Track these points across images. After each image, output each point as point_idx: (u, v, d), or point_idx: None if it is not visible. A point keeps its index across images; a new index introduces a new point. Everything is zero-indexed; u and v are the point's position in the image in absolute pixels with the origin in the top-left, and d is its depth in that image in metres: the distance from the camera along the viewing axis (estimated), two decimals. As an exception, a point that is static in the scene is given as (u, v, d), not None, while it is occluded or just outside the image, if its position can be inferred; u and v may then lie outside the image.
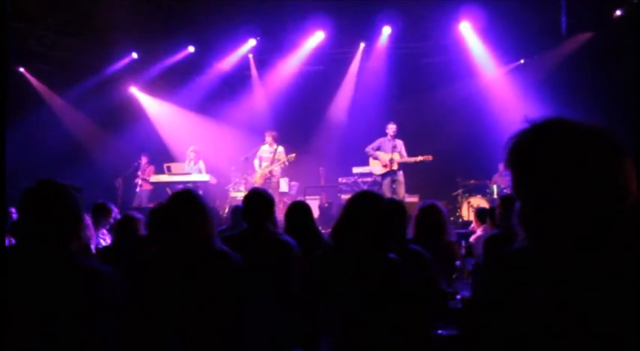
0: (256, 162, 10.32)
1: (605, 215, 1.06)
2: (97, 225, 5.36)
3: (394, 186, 9.78)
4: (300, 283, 2.76)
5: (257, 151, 10.37)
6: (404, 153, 9.90)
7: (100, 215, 5.42)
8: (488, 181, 10.91)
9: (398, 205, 3.56)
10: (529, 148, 1.13)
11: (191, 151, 10.68)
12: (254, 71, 13.17)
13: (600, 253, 1.06)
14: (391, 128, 9.90)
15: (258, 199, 3.55)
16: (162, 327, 2.37)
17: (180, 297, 2.40)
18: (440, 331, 2.89)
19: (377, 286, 2.54)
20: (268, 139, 10.25)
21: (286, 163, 9.94)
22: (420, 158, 9.68)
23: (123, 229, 4.53)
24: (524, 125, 1.14)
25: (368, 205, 2.66)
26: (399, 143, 9.94)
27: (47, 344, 1.86)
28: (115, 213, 5.66)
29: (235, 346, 2.45)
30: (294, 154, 9.95)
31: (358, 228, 2.61)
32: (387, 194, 9.59)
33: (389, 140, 9.90)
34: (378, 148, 10.01)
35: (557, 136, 1.10)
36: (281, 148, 10.18)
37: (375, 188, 10.25)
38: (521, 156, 1.14)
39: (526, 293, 1.12)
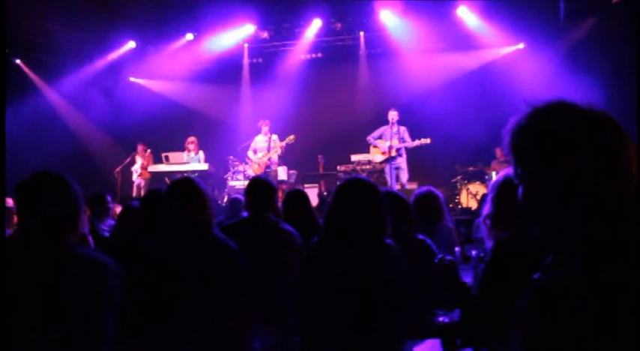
0: (250, 153, 10.30)
1: (606, 198, 1.07)
2: (95, 216, 5.35)
3: (396, 173, 9.70)
4: (299, 271, 2.76)
5: (251, 142, 10.35)
6: (407, 139, 9.70)
7: (98, 206, 5.40)
8: (486, 168, 10.91)
9: (396, 197, 3.44)
10: (530, 131, 1.13)
11: (190, 142, 10.67)
12: (246, 60, 13.17)
13: (602, 237, 1.06)
14: (392, 114, 9.73)
15: (261, 188, 3.54)
16: (161, 316, 2.37)
17: (179, 285, 2.40)
18: (441, 319, 2.90)
19: (373, 274, 2.53)
20: (264, 128, 10.24)
21: (283, 147, 9.96)
22: (416, 142, 9.55)
23: (123, 220, 4.50)
24: (526, 108, 1.14)
25: (358, 192, 2.63)
26: (402, 129, 9.75)
27: (48, 336, 1.85)
28: (111, 204, 5.63)
29: (234, 333, 2.45)
30: (292, 136, 9.94)
31: (350, 215, 2.58)
32: (390, 181, 9.57)
33: (390, 127, 9.75)
34: (380, 137, 9.90)
35: (559, 118, 1.10)
36: (275, 136, 10.18)
37: (375, 176, 10.24)
38: (523, 139, 1.13)
39: (527, 279, 1.12)
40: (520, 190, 1.17)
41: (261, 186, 3.55)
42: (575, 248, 1.08)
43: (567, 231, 1.10)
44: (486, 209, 2.30)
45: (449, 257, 2.50)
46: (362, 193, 2.61)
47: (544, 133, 1.11)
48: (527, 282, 1.11)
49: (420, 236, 3.15)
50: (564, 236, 1.11)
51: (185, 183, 2.60)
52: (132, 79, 13.33)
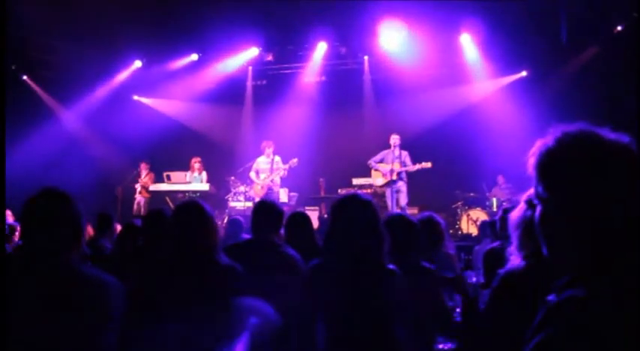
0: (252, 174, 10.27)
1: (622, 223, 1.10)
2: (101, 235, 5.35)
3: (396, 196, 9.66)
4: (301, 295, 2.75)
5: (253, 163, 10.35)
6: (408, 163, 9.68)
7: (104, 225, 5.40)
8: (487, 194, 10.91)
9: (406, 222, 3.38)
10: (557, 154, 1.16)
11: (195, 162, 10.68)
12: (250, 82, 13.26)
13: (621, 263, 1.09)
14: (394, 138, 9.71)
15: (269, 211, 3.55)
16: (163, 337, 2.35)
17: (182, 307, 2.39)
18: (440, 346, 2.87)
19: (373, 299, 2.50)
20: (267, 150, 10.23)
21: (286, 170, 9.95)
22: (417, 166, 9.54)
23: (124, 238, 4.49)
24: (554, 132, 1.18)
25: (354, 207, 2.58)
26: (404, 153, 9.72)
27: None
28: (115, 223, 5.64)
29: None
30: (295, 159, 9.93)
31: (347, 231, 2.53)
32: (390, 205, 9.53)
33: (392, 151, 9.72)
34: (381, 160, 9.88)
35: (587, 145, 1.15)
36: (278, 158, 10.16)
37: (376, 199, 10.16)
38: (549, 161, 1.17)
39: (540, 303, 1.13)
40: (538, 209, 1.20)
41: (268, 209, 3.55)
42: (588, 269, 1.11)
43: (582, 252, 1.13)
44: (517, 214, 2.25)
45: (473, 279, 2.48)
46: (357, 209, 2.57)
47: (570, 157, 1.15)
48: (542, 303, 1.12)
49: (427, 264, 3.12)
50: (578, 257, 1.13)
51: (191, 205, 2.60)
52: (136, 97, 13.42)
